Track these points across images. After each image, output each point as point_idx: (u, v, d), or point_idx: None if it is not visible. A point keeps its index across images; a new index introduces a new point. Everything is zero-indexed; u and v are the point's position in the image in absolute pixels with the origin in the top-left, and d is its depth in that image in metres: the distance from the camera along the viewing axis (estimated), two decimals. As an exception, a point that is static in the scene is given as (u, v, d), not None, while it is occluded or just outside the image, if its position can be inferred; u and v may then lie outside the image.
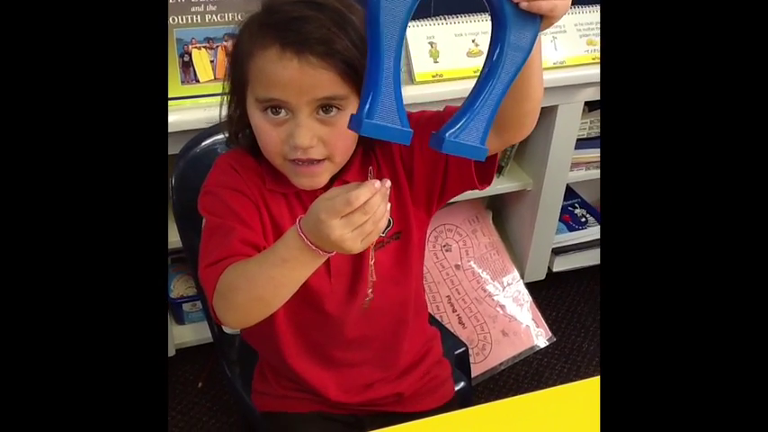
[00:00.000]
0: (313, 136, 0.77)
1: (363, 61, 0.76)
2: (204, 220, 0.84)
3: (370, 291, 0.89)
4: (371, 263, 0.88)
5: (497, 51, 0.61)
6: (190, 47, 1.32)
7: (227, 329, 0.77)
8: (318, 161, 0.80)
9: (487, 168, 0.84)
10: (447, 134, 0.60)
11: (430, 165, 0.86)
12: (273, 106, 0.78)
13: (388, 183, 0.67)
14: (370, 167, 0.70)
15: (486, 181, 0.85)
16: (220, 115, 0.88)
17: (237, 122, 0.86)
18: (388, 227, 0.89)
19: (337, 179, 0.85)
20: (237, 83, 0.83)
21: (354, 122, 0.59)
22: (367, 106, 0.58)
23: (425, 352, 1.03)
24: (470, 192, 0.88)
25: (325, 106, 0.77)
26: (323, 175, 0.82)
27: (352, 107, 0.78)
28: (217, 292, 0.76)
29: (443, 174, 0.86)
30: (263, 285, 0.73)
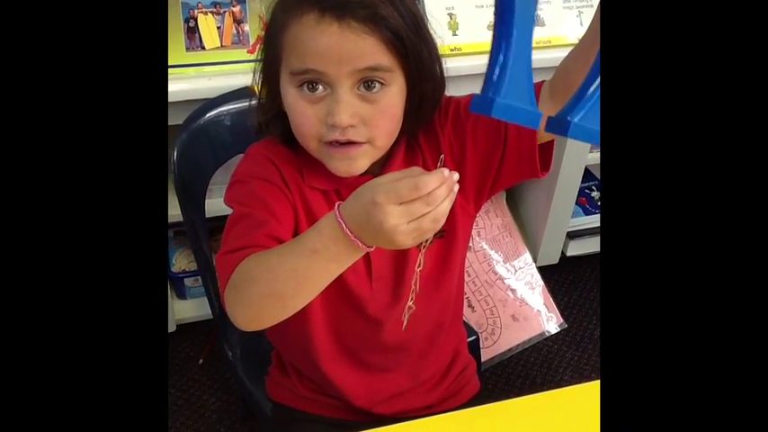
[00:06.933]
0: (354, 114, 0.70)
1: (411, 35, 0.70)
2: (231, 212, 0.76)
3: (411, 302, 0.80)
4: (418, 269, 0.78)
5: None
6: (195, 11, 1.26)
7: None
8: (357, 143, 0.72)
9: (548, 152, 0.75)
10: (572, 117, 0.53)
11: (484, 153, 0.78)
12: (310, 81, 0.70)
13: (457, 175, 0.58)
14: (442, 155, 0.61)
15: (547, 167, 0.76)
16: (254, 79, 0.77)
17: (269, 109, 0.77)
18: None
19: (379, 174, 0.78)
20: (269, 63, 0.74)
21: (480, 103, 0.50)
22: (496, 83, 0.50)
23: (454, 357, 0.97)
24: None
25: (368, 81, 0.70)
26: (361, 159, 0.73)
27: (397, 83, 0.71)
28: (230, 282, 0.67)
29: (499, 162, 0.77)
30: (283, 279, 0.63)
